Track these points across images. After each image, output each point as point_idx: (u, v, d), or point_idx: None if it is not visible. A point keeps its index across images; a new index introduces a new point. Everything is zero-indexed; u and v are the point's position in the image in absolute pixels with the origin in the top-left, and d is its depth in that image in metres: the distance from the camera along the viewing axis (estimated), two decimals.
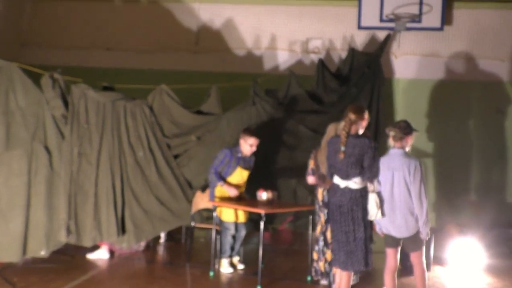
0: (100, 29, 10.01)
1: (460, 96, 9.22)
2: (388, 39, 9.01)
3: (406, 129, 5.22)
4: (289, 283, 6.34)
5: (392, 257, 5.27)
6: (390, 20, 9.00)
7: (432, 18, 8.88)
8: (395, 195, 5.12)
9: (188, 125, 7.47)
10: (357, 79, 8.55)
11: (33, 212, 6.53)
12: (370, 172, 5.08)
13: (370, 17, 9.09)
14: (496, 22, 9.03)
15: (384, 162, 5.17)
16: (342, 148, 5.03)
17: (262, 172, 7.36)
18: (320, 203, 6.09)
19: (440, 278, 6.68)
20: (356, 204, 5.08)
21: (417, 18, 8.93)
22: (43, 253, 6.61)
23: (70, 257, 6.94)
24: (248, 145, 6.62)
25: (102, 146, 6.90)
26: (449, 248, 7.32)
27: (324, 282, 6.15)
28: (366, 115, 5.36)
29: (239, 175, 6.68)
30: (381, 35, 9.14)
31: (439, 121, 9.21)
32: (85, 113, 6.84)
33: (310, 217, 6.43)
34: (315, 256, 6.18)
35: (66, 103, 6.75)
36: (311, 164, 6.16)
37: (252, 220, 6.82)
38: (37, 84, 6.63)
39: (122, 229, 6.93)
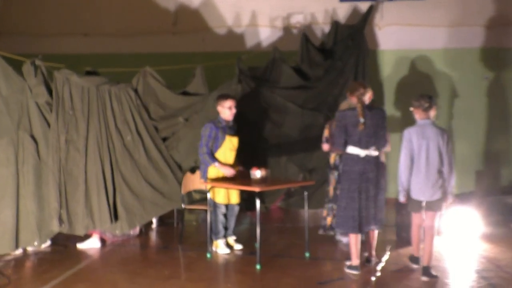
0: (76, 14, 9.95)
1: (446, 65, 9.35)
2: (371, 11, 9.08)
3: (432, 100, 5.78)
4: (288, 260, 6.41)
5: (419, 218, 5.90)
6: None
7: None
8: (430, 162, 5.64)
9: (174, 107, 7.46)
10: (341, 53, 8.61)
11: (23, 203, 6.51)
12: (384, 140, 5.71)
13: None
14: None
15: (418, 132, 5.68)
16: (362, 120, 5.53)
17: (251, 150, 7.43)
18: (332, 166, 6.93)
19: (436, 247, 6.83)
20: (377, 169, 5.67)
21: None
22: (36, 243, 6.63)
23: (63, 247, 6.96)
24: (227, 109, 6.59)
25: (89, 132, 6.89)
26: (445, 218, 7.49)
27: (331, 233, 7.06)
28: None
29: (230, 143, 6.66)
30: (364, 6, 9.22)
31: (426, 91, 9.14)
32: (69, 99, 6.82)
33: (306, 194, 6.53)
34: (324, 213, 7.07)
35: (49, 90, 6.72)
36: (325, 133, 6.93)
37: (243, 200, 6.87)
38: (18, 72, 6.59)
39: (114, 216, 6.96)
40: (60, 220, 6.71)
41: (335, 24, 8.93)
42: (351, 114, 5.60)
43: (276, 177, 7.47)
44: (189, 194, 7.41)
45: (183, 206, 7.11)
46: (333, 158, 6.93)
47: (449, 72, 9.40)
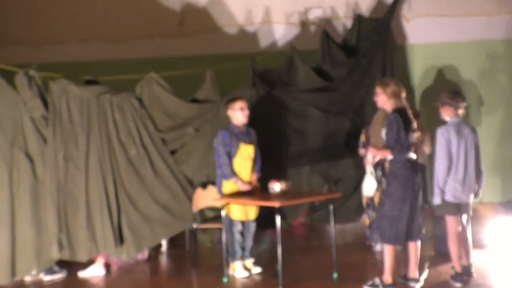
0: (74, 18, 9.93)
1: (483, 58, 9.13)
2: (397, 2, 8.93)
3: (465, 99, 6.17)
4: (314, 282, 6.32)
5: (455, 222, 6.00)
6: None
7: None
8: (468, 161, 5.99)
9: (183, 116, 7.42)
10: (366, 49, 8.53)
11: (19, 228, 6.50)
12: None
13: None
14: None
15: (455, 131, 5.97)
16: (415, 127, 5.85)
17: (270, 161, 7.34)
18: (375, 172, 7.24)
19: (481, 263, 6.66)
20: (423, 175, 5.99)
21: None
22: (34, 272, 6.59)
23: (64, 275, 6.91)
24: (238, 111, 6.53)
25: (90, 147, 6.88)
26: (487, 230, 7.33)
27: (377, 248, 7.29)
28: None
29: (245, 152, 6.61)
30: None
31: (462, 88, 9.01)
32: (67, 111, 6.81)
33: (331, 207, 6.42)
34: (367, 222, 7.43)
35: (45, 103, 6.71)
36: (362, 138, 7.45)
37: (261, 216, 6.77)
38: (11, 84, 6.58)
39: (119, 239, 6.91)
40: (60, 246, 6.71)
41: (358, 18, 8.81)
42: (405, 115, 5.72)
43: (298, 190, 7.40)
44: (201, 212, 7.35)
45: (195, 225, 7.06)
46: (372, 163, 7.20)
47: (489, 67, 9.18)
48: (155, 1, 9.77)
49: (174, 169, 7.29)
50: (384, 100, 5.76)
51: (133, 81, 7.48)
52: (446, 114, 6.07)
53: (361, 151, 7.39)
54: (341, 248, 7.06)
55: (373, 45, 8.56)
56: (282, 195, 6.27)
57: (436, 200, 5.97)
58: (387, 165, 6.18)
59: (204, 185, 7.16)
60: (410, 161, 5.70)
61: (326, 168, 8.16)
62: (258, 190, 6.72)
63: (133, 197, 7.01)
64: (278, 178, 6.45)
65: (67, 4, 9.97)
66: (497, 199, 8.89)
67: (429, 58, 9.27)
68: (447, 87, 9.00)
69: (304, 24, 9.51)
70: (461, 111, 6.08)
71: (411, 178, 5.67)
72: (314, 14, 9.45)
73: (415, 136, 6.50)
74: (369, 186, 7.26)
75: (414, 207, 5.72)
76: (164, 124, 7.34)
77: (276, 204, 5.91)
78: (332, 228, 6.46)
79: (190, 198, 7.24)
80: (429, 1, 9.19)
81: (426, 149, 7.31)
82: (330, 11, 9.42)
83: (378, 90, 5.80)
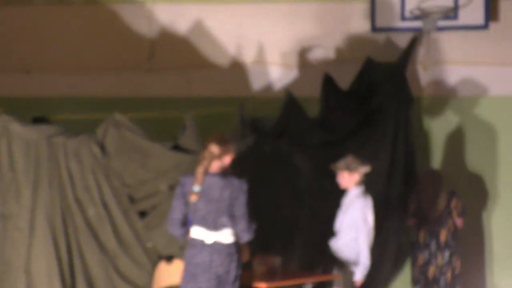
0: (14, 44, 9.79)
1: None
2: (414, 44, 9.02)
3: None
4: None
5: None
6: (416, 18, 9.03)
7: (473, 12, 8.93)
8: None
9: (159, 167, 7.19)
10: (377, 100, 8.57)
11: None
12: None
13: (388, 15, 9.13)
14: None
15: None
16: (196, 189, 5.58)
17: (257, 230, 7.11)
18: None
19: None
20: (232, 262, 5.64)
21: (452, 13, 8.98)
22: None
23: None
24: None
25: (37, 203, 6.67)
26: None
27: None
28: (232, 151, 5.84)
29: None
30: (404, 38, 9.13)
31: (487, 150, 9.22)
32: (8, 156, 6.66)
33: None
34: None
35: None
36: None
37: None
38: None
39: None
40: None
41: (368, 62, 8.88)
42: None
43: (288, 268, 7.30)
44: None
45: None
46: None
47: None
48: (120, 27, 9.68)
49: (142, 236, 7.06)
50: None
51: (92, 122, 7.30)
52: (353, 182, 6.85)
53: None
54: None
55: (384, 96, 8.60)
56: (269, 273, 6.31)
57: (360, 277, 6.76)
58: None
59: (169, 258, 6.97)
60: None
61: (324, 241, 7.85)
62: None
63: (91, 268, 6.79)
64: (264, 253, 6.49)
65: (3, 23, 9.82)
66: None
67: (448, 113, 9.33)
68: (469, 147, 9.24)
69: (300, 66, 9.54)
70: None
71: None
72: (315, 55, 9.51)
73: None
74: None
75: None
76: (134, 176, 7.13)
77: (263, 285, 6.02)
78: None
79: None
80: (451, 45, 9.28)
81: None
82: (333, 51, 9.48)
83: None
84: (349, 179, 6.83)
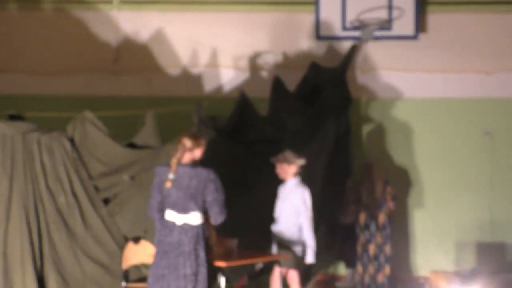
0: None
1: (440, 117, 9.52)
2: (353, 51, 9.22)
3: None
4: None
5: None
6: (355, 28, 9.21)
7: (404, 24, 9.19)
8: None
9: (118, 162, 7.34)
10: (322, 101, 8.67)
11: None
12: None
13: (331, 25, 9.32)
14: (479, 28, 9.44)
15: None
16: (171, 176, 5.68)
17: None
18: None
19: None
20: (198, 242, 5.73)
21: (386, 24, 9.19)
22: None
23: None
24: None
25: (12, 192, 6.74)
26: None
27: None
28: (203, 145, 6.00)
29: None
30: (345, 46, 9.35)
31: (417, 147, 9.52)
32: None
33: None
34: (360, 270, 8.71)
35: None
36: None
37: None
38: None
39: None
40: None
41: (313, 66, 9.02)
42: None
43: (244, 249, 7.21)
44: (137, 268, 7.16)
45: (123, 284, 6.85)
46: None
47: (444, 126, 9.57)
48: (88, 33, 9.71)
49: (107, 222, 7.17)
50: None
51: (63, 120, 7.37)
52: (291, 173, 6.98)
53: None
54: None
55: (329, 97, 8.71)
56: (227, 253, 6.28)
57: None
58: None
59: (136, 239, 7.00)
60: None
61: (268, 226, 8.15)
62: None
63: (61, 250, 6.87)
64: (223, 235, 6.42)
65: None
66: (450, 267, 9.20)
67: (382, 113, 9.58)
68: (400, 143, 9.54)
69: (252, 69, 9.65)
70: None
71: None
72: (264, 59, 9.62)
73: None
74: None
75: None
76: (96, 169, 7.25)
77: (221, 263, 5.98)
78: None
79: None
80: (386, 53, 9.52)
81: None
82: (281, 57, 9.61)
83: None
84: (288, 171, 6.98)
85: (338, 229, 8.84)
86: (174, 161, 5.74)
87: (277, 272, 6.85)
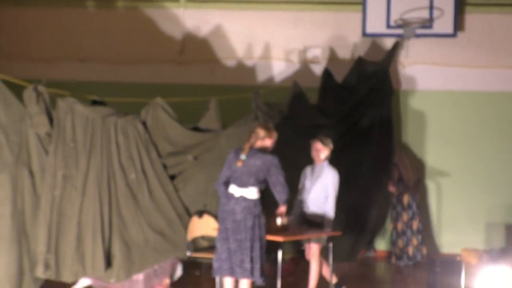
0: (72, 38, 9.84)
1: (476, 108, 9.40)
2: (396, 47, 9.08)
3: None
4: None
5: None
6: (398, 26, 9.09)
7: (444, 23, 9.01)
8: None
9: (184, 144, 7.28)
10: (366, 92, 8.59)
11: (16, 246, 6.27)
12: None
13: (376, 23, 9.20)
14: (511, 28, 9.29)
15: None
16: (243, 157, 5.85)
17: (271, 196, 7.25)
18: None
19: None
20: (250, 213, 5.82)
21: (427, 23, 9.02)
22: None
23: None
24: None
25: (90, 168, 6.69)
26: (476, 277, 7.31)
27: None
28: (274, 137, 6.07)
29: None
30: (388, 42, 9.23)
31: (453, 135, 9.39)
32: (71, 130, 6.63)
33: (330, 245, 6.42)
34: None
35: (51, 120, 6.53)
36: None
37: None
38: (19, 98, 6.39)
39: (110, 263, 6.70)
40: (46, 266, 6.44)
41: (359, 60, 8.91)
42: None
43: (298, 226, 7.20)
44: (195, 241, 7.14)
45: (188, 254, 6.88)
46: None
47: (478, 117, 9.43)
48: (157, 28, 9.74)
49: (172, 196, 7.12)
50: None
51: (135, 105, 7.38)
52: (325, 156, 6.72)
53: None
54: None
55: (372, 89, 8.62)
56: (283, 229, 6.23)
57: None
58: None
59: (200, 214, 6.97)
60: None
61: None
62: None
63: (128, 221, 6.83)
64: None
65: (64, 22, 9.89)
66: (481, 246, 9.08)
67: (422, 105, 9.46)
68: (437, 133, 9.40)
69: (303, 62, 9.58)
70: None
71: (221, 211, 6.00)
72: (313, 53, 9.52)
73: None
74: None
75: (237, 241, 5.83)
76: (165, 150, 7.20)
77: (279, 238, 5.97)
78: (330, 266, 6.44)
79: (185, 227, 7.03)
80: (426, 49, 9.38)
81: None
82: (329, 51, 9.52)
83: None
84: (321, 153, 6.74)
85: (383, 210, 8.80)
86: (247, 145, 5.92)
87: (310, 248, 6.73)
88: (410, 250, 8.80)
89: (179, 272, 7.31)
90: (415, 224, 8.79)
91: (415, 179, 8.97)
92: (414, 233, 8.80)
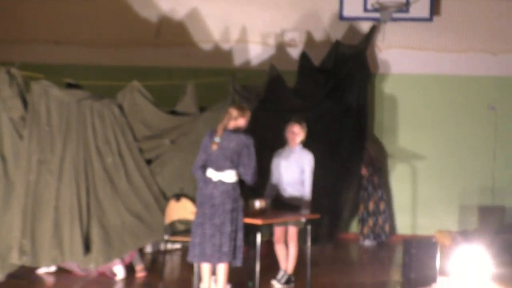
0: (46, 20, 9.68)
1: (450, 92, 9.41)
2: (373, 31, 9.08)
3: None
4: None
5: None
6: (375, 10, 9.07)
7: (420, 7, 9.01)
8: None
9: (161, 127, 7.21)
10: (343, 75, 8.58)
11: None
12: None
13: (353, 7, 9.17)
14: (487, 13, 9.27)
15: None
16: (217, 139, 5.74)
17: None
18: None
19: None
20: (228, 197, 5.72)
21: (404, 7, 9.02)
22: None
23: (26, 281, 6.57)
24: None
25: (66, 152, 6.62)
26: (450, 258, 7.40)
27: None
28: (247, 116, 5.97)
29: None
30: (365, 26, 9.20)
31: (427, 119, 9.40)
32: (46, 114, 6.55)
33: (309, 227, 6.38)
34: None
35: (25, 104, 6.43)
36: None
37: None
38: None
39: (88, 248, 6.65)
40: (21, 252, 6.36)
41: (337, 44, 8.89)
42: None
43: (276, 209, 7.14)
44: (172, 224, 7.12)
45: (166, 237, 6.86)
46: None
47: (452, 100, 9.46)
48: (133, 11, 9.59)
49: (148, 180, 7.06)
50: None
51: (111, 88, 7.24)
52: (300, 139, 6.63)
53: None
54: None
55: (350, 72, 8.64)
56: (261, 212, 6.19)
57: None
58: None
59: (177, 197, 6.98)
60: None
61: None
62: None
63: (105, 205, 6.77)
64: (255, 196, 6.34)
65: (39, 4, 9.72)
66: (454, 228, 9.16)
67: (397, 88, 9.46)
68: (413, 115, 9.44)
69: (280, 45, 9.51)
70: None
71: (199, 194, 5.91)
72: (290, 37, 9.47)
73: None
74: None
75: (213, 225, 5.74)
76: (141, 133, 7.13)
77: (258, 221, 5.93)
78: (308, 249, 6.39)
79: (162, 210, 7.00)
80: (402, 33, 9.36)
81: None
82: (306, 35, 9.46)
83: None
84: (298, 136, 6.64)
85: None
86: (220, 126, 5.81)
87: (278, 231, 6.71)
88: (377, 229, 9.03)
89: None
90: (382, 205, 9.01)
91: (382, 160, 9.09)
92: (381, 212, 9.00)
